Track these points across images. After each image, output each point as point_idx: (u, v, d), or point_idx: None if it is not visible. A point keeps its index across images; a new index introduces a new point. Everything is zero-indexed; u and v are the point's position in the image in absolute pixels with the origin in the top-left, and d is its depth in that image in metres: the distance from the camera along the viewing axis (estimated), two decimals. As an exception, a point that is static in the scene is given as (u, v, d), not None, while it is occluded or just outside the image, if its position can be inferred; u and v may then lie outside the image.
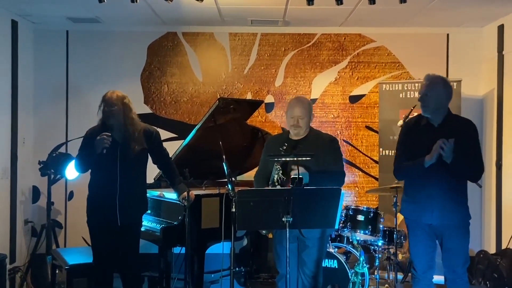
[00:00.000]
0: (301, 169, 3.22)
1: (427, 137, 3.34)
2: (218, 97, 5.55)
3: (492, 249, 5.19)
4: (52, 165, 4.89)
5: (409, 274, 4.73)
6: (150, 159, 3.94)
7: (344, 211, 4.59)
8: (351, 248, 4.53)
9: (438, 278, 4.91)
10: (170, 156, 4.24)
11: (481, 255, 4.79)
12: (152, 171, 4.28)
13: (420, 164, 3.29)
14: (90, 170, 3.81)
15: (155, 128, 3.98)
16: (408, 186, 3.53)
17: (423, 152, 3.31)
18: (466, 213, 3.40)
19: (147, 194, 4.43)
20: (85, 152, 3.72)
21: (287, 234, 2.98)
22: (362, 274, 4.33)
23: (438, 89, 3.35)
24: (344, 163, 3.63)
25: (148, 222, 4.28)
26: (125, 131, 3.70)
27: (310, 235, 3.40)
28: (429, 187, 3.33)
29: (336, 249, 4.48)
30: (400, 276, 4.78)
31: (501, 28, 5.26)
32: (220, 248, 4.09)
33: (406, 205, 3.53)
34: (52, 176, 5.00)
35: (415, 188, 3.42)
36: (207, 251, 4.14)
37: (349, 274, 4.27)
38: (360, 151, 5.80)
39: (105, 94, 3.74)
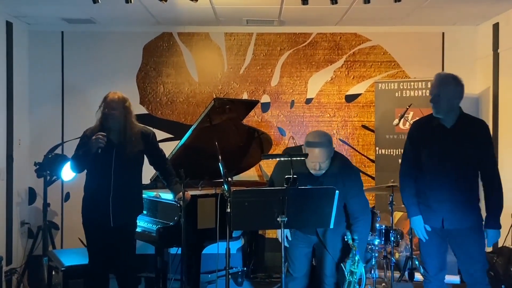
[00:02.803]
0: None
1: (439, 140, 3.26)
2: (214, 97, 5.54)
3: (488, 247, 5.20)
4: (48, 167, 4.88)
5: (406, 272, 4.75)
6: (146, 160, 3.94)
7: (340, 210, 4.59)
8: (348, 247, 4.52)
9: (453, 278, 4.94)
10: (166, 156, 4.24)
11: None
12: (148, 172, 4.27)
13: (409, 212, 3.39)
14: (86, 171, 3.80)
15: (152, 129, 3.98)
16: (418, 190, 3.40)
17: (433, 156, 3.25)
18: (478, 216, 3.29)
19: (143, 195, 4.43)
20: (81, 152, 3.70)
21: (283, 234, 2.98)
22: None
23: (450, 88, 3.22)
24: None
25: (144, 223, 4.27)
26: (123, 133, 3.69)
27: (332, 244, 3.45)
28: (438, 191, 3.26)
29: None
30: (396, 275, 4.78)
31: (496, 26, 5.27)
32: (216, 248, 4.08)
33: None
34: (48, 177, 4.99)
35: (424, 192, 3.35)
36: (204, 251, 4.14)
37: (346, 273, 4.25)
38: (356, 150, 5.80)
39: (107, 95, 3.71)
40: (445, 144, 3.24)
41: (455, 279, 4.92)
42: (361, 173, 5.63)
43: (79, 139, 3.83)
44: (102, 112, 3.70)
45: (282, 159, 3.44)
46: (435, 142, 3.29)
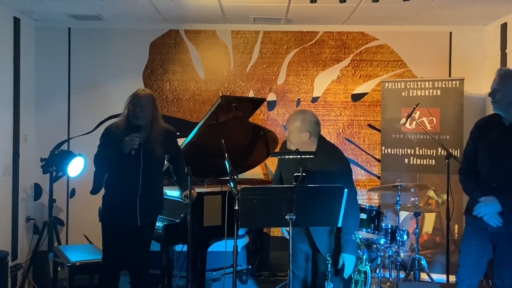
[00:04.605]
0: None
1: (494, 137, 3.19)
2: (220, 95, 5.54)
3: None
4: (54, 163, 4.88)
5: (411, 273, 4.74)
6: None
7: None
8: (353, 246, 4.52)
9: (440, 277, 4.94)
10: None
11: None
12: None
13: (475, 198, 3.22)
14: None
15: (174, 128, 3.95)
16: None
17: (486, 153, 3.18)
18: None
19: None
20: (111, 151, 3.59)
21: (290, 232, 2.97)
22: (365, 273, 4.32)
23: (510, 84, 3.14)
24: (353, 181, 3.46)
25: (150, 220, 4.27)
26: (150, 132, 3.65)
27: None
28: (490, 191, 3.17)
29: (338, 248, 4.47)
30: (402, 274, 4.77)
31: (504, 27, 5.25)
32: (222, 246, 4.08)
33: (469, 206, 3.36)
34: (54, 173, 4.99)
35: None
36: (209, 249, 4.14)
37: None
38: (362, 150, 5.79)
39: (136, 92, 3.67)
40: (499, 141, 3.16)
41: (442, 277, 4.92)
42: (367, 172, 5.75)
43: (102, 136, 3.75)
44: (129, 108, 3.64)
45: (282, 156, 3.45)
46: (490, 140, 3.20)
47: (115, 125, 3.72)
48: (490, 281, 4.56)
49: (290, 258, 3.02)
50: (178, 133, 4.08)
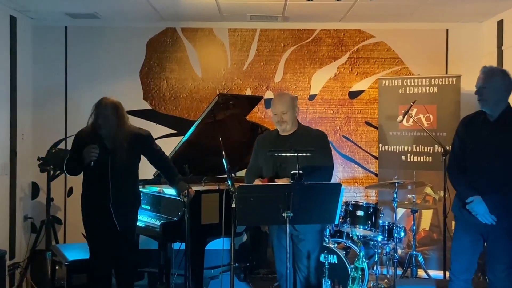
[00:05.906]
0: None
1: (481, 133, 3.21)
2: (218, 93, 5.53)
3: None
4: (51, 161, 4.89)
5: (408, 269, 4.76)
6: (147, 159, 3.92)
7: (344, 207, 4.60)
8: (351, 244, 4.54)
9: (437, 273, 4.96)
10: (170, 152, 4.23)
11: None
12: (152, 168, 4.27)
13: (463, 196, 3.22)
14: (82, 179, 3.77)
15: (147, 130, 3.89)
16: None
17: (474, 150, 3.21)
18: None
19: (147, 190, 4.44)
20: (75, 157, 3.66)
21: (287, 230, 2.98)
22: (362, 270, 4.34)
23: (496, 80, 3.18)
24: (333, 158, 3.54)
25: (147, 218, 4.28)
26: (116, 140, 3.63)
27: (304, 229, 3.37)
28: (478, 186, 3.18)
29: (336, 245, 4.49)
30: (399, 271, 4.79)
31: (500, 23, 5.26)
32: (220, 244, 4.09)
33: (456, 202, 3.38)
34: (52, 172, 4.99)
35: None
36: (207, 247, 4.14)
37: (349, 269, 4.27)
38: (359, 147, 5.80)
39: (99, 101, 3.65)
40: (485, 138, 3.18)
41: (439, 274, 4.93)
42: (364, 170, 5.76)
43: (72, 143, 3.79)
44: (93, 118, 3.65)
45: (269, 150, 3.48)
46: (476, 136, 3.23)
47: (84, 133, 3.72)
48: (486, 277, 4.58)
49: (287, 256, 3.02)
50: (175, 131, 4.06)
